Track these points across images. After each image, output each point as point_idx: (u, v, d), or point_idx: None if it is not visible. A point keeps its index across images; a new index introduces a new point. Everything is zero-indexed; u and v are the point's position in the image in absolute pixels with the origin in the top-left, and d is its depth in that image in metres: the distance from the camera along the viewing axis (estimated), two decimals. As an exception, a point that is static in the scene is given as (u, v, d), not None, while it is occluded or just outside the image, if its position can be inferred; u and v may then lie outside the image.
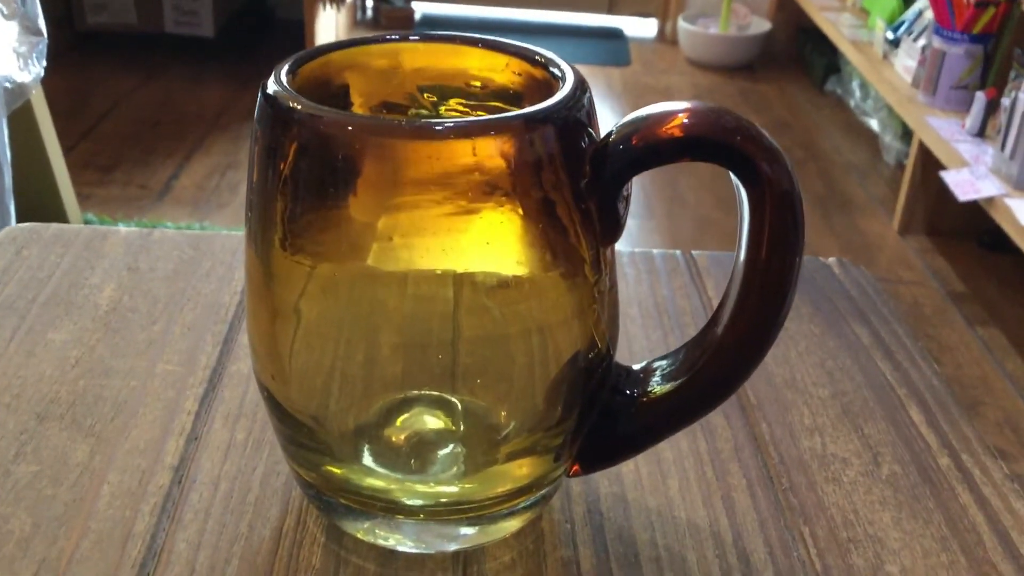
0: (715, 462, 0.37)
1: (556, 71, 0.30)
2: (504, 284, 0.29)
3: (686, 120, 0.28)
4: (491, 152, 0.27)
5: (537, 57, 0.31)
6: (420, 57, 0.32)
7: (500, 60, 0.32)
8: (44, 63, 0.99)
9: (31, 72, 0.95)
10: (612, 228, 0.29)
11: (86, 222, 1.84)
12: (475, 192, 0.27)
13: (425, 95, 0.33)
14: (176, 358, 0.40)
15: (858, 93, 2.65)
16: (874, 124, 2.52)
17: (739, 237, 0.29)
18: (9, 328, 0.41)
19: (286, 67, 0.29)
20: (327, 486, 0.32)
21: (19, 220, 1.30)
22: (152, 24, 2.80)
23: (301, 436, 0.31)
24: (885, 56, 2.30)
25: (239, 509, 0.33)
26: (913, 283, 1.90)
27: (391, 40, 0.32)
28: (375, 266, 0.28)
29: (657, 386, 0.31)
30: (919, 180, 2.03)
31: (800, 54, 3.04)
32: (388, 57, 0.32)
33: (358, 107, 0.32)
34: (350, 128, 0.27)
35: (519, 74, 0.32)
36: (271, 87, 0.28)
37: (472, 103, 0.33)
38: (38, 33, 0.97)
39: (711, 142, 0.28)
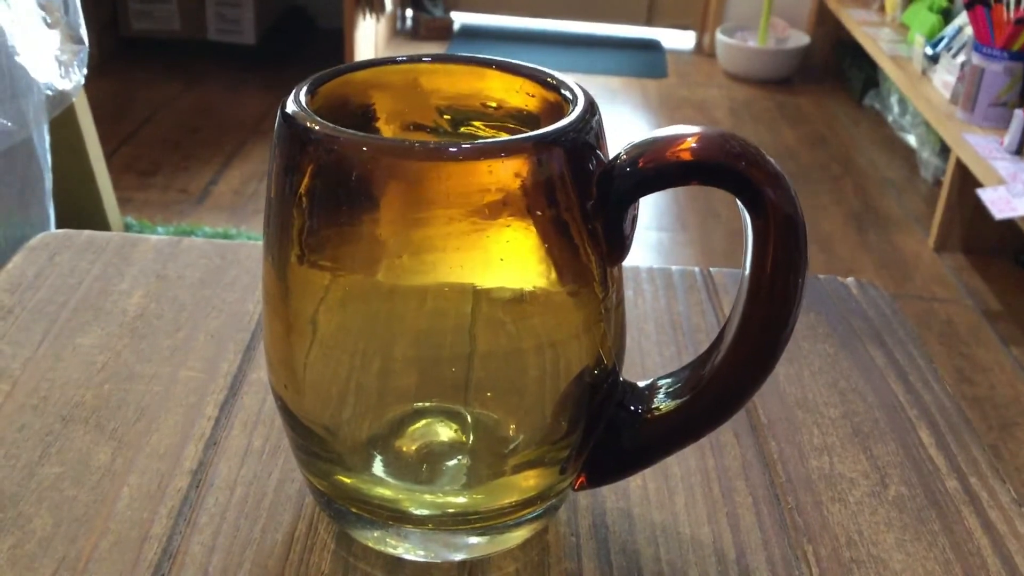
0: (722, 479, 0.37)
1: (568, 94, 0.31)
2: (513, 300, 0.30)
3: (693, 144, 0.28)
4: (501, 173, 0.28)
5: (549, 80, 0.31)
6: (437, 78, 0.33)
7: (514, 82, 0.32)
8: (85, 71, 1.02)
9: (72, 80, 0.98)
10: (618, 247, 0.30)
11: (126, 225, 1.87)
12: (486, 211, 0.28)
13: (443, 115, 0.34)
14: (199, 365, 0.41)
15: (896, 108, 2.63)
16: (912, 140, 2.51)
17: (744, 259, 0.30)
18: (39, 332, 0.43)
19: (305, 87, 0.30)
20: (338, 494, 0.33)
21: (60, 222, 1.33)
22: (195, 31, 2.85)
23: (314, 445, 0.32)
24: (924, 72, 2.29)
25: (253, 514, 0.34)
26: (948, 301, 1.89)
27: (409, 61, 0.33)
28: (389, 282, 0.29)
29: (662, 403, 0.32)
30: (956, 197, 2.02)
31: (839, 68, 3.03)
32: (406, 78, 0.33)
33: (377, 126, 0.33)
34: (365, 149, 0.28)
35: (532, 95, 0.32)
36: (289, 107, 0.29)
37: (488, 123, 0.34)
38: (80, 42, 0.99)
39: (716, 166, 0.28)
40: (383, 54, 2.95)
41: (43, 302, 0.45)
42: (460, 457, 0.33)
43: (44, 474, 0.35)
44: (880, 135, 2.65)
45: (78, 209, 1.62)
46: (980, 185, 1.82)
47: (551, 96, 0.32)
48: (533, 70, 0.32)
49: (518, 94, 0.33)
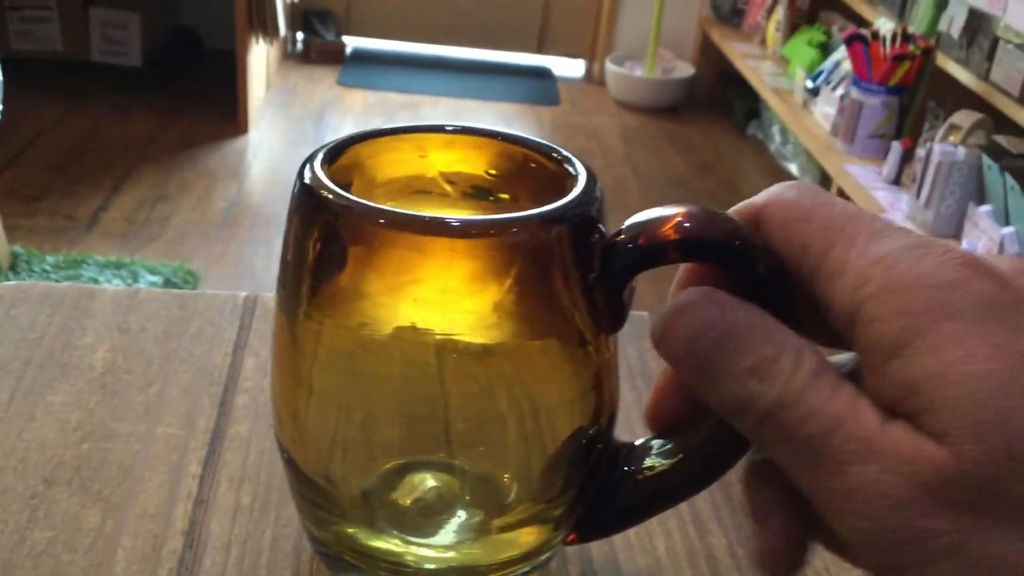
0: (696, 522, 0.39)
1: (571, 169, 0.32)
2: (513, 366, 0.31)
3: (687, 224, 0.30)
4: (507, 247, 0.29)
5: (554, 154, 0.33)
6: (443, 146, 0.35)
7: (517, 152, 0.34)
8: (1, 107, 0.99)
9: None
10: (618, 317, 0.32)
11: (13, 254, 1.80)
12: (490, 282, 0.30)
13: (447, 182, 0.35)
14: (176, 421, 0.41)
15: (778, 138, 2.74)
16: (793, 168, 2.61)
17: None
18: (7, 390, 0.42)
19: (321, 156, 0.31)
20: (337, 543, 0.34)
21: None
22: (78, 52, 2.77)
23: (315, 496, 0.33)
24: (805, 104, 2.39)
25: (251, 573, 0.35)
26: (833, 325, 1.97)
27: (417, 130, 0.34)
28: (391, 343, 0.30)
29: (655, 462, 0.34)
30: (838, 225, 2.11)
31: (723, 98, 3.14)
32: (414, 145, 0.34)
33: (384, 192, 0.34)
34: (382, 221, 0.29)
35: (534, 165, 0.34)
36: (307, 176, 0.30)
37: (489, 190, 0.35)
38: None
39: (711, 244, 0.30)
40: (275, 77, 2.92)
41: (6, 358, 0.44)
42: (457, 513, 0.34)
43: (35, 539, 0.35)
44: (763, 163, 2.76)
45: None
46: (862, 214, 1.91)
47: (552, 167, 0.33)
48: (537, 143, 0.34)
49: (520, 164, 0.34)
